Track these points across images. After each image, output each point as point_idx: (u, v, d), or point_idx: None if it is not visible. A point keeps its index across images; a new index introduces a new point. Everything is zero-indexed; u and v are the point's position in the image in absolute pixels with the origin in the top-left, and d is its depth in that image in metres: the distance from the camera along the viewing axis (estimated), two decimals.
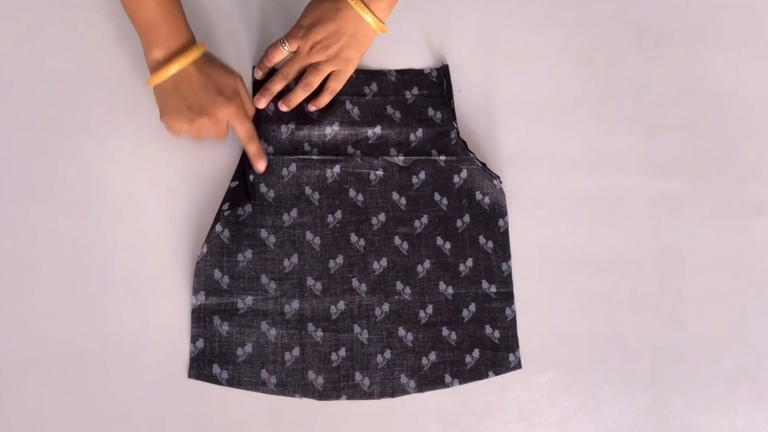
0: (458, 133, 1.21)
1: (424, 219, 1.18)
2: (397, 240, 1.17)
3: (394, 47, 1.25)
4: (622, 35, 1.29)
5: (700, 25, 1.31)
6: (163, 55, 1.08)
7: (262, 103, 1.19)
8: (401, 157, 1.20)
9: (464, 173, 1.20)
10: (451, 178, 1.20)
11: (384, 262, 1.16)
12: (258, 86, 1.21)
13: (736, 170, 1.25)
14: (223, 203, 1.14)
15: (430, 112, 1.23)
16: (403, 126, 1.21)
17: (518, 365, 1.15)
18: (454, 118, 1.22)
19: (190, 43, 1.10)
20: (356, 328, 1.14)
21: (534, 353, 1.16)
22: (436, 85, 1.24)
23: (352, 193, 1.18)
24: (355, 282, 1.15)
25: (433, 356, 1.14)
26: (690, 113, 1.26)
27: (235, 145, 1.17)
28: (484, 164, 1.20)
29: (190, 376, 1.10)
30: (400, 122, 1.22)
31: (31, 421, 1.08)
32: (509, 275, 1.18)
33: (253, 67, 1.22)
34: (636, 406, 1.16)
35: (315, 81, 1.19)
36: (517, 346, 1.16)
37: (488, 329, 1.16)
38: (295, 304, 1.14)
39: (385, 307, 1.15)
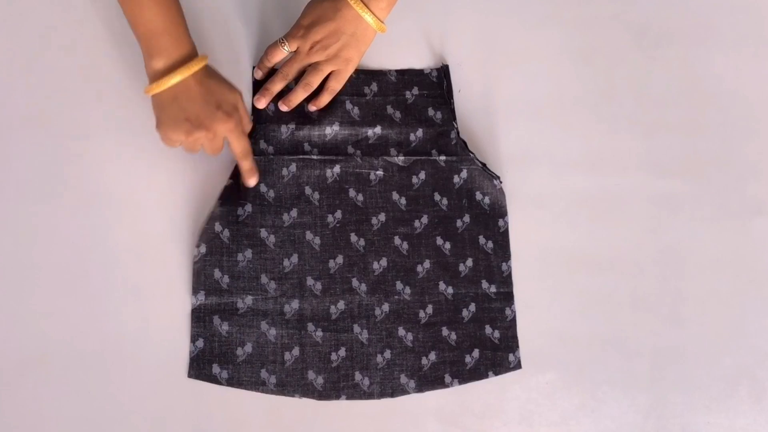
0: (458, 133, 1.21)
1: (424, 219, 1.18)
2: (397, 240, 1.17)
3: (394, 47, 1.25)
4: (622, 35, 1.29)
5: (700, 25, 1.31)
6: (163, 65, 1.07)
7: (262, 103, 1.19)
8: (401, 157, 1.20)
9: (464, 173, 1.20)
10: (451, 178, 1.20)
11: (384, 262, 1.16)
12: (258, 86, 1.21)
13: (736, 170, 1.25)
14: (218, 201, 1.14)
15: (430, 112, 1.23)
16: (403, 126, 1.21)
17: (518, 365, 1.15)
18: (454, 118, 1.22)
19: (191, 55, 1.09)
20: (356, 328, 1.14)
21: (534, 353, 1.16)
22: (436, 85, 1.24)
23: (352, 193, 1.18)
24: (355, 282, 1.15)
25: (432, 356, 1.14)
26: (690, 113, 1.26)
27: None
28: (484, 164, 1.20)
29: (189, 375, 1.10)
30: (400, 122, 1.22)
31: (31, 421, 1.08)
32: (509, 275, 1.18)
33: (253, 67, 1.22)
34: (636, 406, 1.16)
35: (315, 81, 1.19)
36: (517, 347, 1.16)
37: (488, 329, 1.16)
38: (295, 304, 1.14)
39: (385, 307, 1.15)
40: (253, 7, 1.25)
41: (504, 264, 1.18)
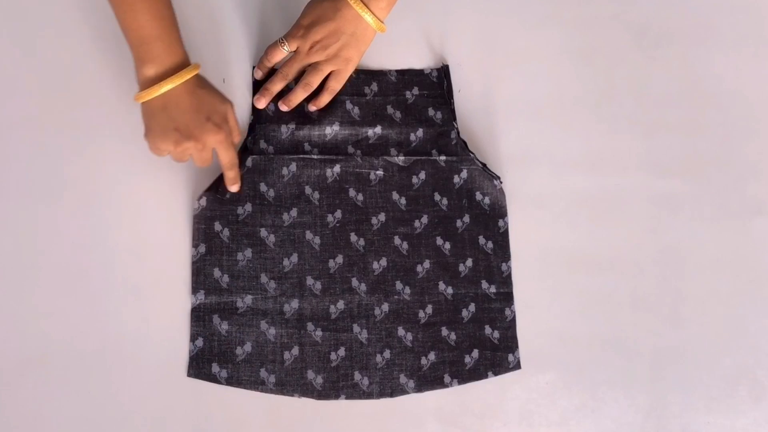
0: (458, 133, 1.21)
1: (424, 219, 1.18)
2: (396, 240, 1.17)
3: (395, 47, 1.25)
4: (622, 35, 1.29)
5: (700, 25, 1.31)
6: (155, 72, 1.06)
7: (262, 103, 1.19)
8: (401, 157, 1.20)
9: (464, 173, 1.20)
10: (451, 179, 1.20)
11: (384, 261, 1.16)
12: (258, 86, 1.21)
13: (736, 170, 1.25)
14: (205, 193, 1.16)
15: (431, 112, 1.23)
16: (403, 126, 1.21)
17: (517, 366, 1.15)
18: (455, 119, 1.22)
19: (183, 63, 1.08)
20: (355, 328, 1.14)
21: (534, 353, 1.16)
22: (436, 85, 1.24)
23: (352, 192, 1.18)
24: (354, 282, 1.15)
25: (432, 356, 1.14)
26: (690, 113, 1.26)
27: None
28: (484, 164, 1.20)
29: (189, 375, 1.10)
30: (400, 122, 1.22)
31: (31, 421, 1.08)
32: (509, 275, 1.18)
33: (253, 67, 1.22)
34: (636, 406, 1.16)
35: (315, 81, 1.19)
36: (517, 347, 1.16)
37: (488, 329, 1.16)
38: (295, 304, 1.14)
39: (385, 306, 1.15)
40: (253, 7, 1.25)
41: (504, 264, 1.18)
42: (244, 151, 1.18)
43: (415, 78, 1.24)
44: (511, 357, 1.15)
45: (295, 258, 1.15)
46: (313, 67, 1.19)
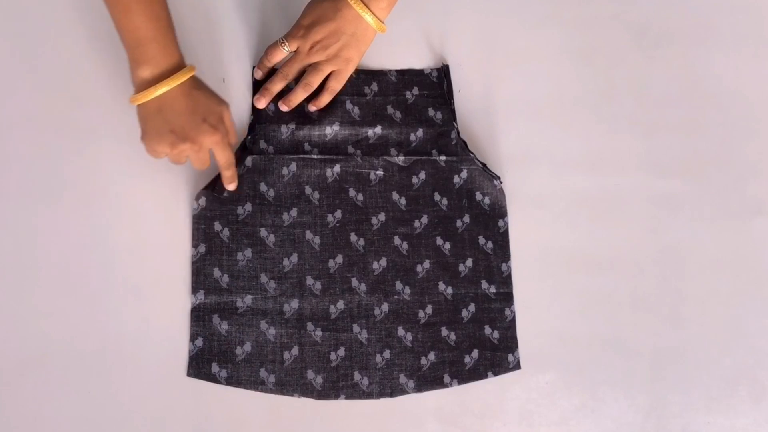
0: (458, 133, 1.21)
1: (424, 219, 1.18)
2: (396, 240, 1.17)
3: (395, 47, 1.25)
4: (622, 35, 1.29)
5: (700, 25, 1.31)
6: (150, 74, 1.06)
7: (262, 103, 1.19)
8: (401, 157, 1.20)
9: (464, 173, 1.20)
10: (451, 179, 1.20)
11: (384, 261, 1.16)
12: (258, 86, 1.21)
13: (736, 170, 1.25)
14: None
15: (431, 112, 1.23)
16: (403, 126, 1.21)
17: (517, 366, 1.15)
18: (455, 119, 1.22)
19: (179, 65, 1.08)
20: (355, 328, 1.14)
21: (534, 353, 1.16)
22: (436, 85, 1.24)
23: (352, 192, 1.18)
24: (354, 282, 1.15)
25: (432, 356, 1.14)
26: (690, 113, 1.26)
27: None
28: (484, 164, 1.20)
29: (189, 374, 1.11)
30: (400, 122, 1.22)
31: (31, 421, 1.08)
32: (509, 276, 1.18)
33: (253, 67, 1.22)
34: (636, 406, 1.16)
35: (315, 81, 1.19)
36: (516, 347, 1.16)
37: (487, 330, 1.16)
38: (295, 304, 1.14)
39: (385, 306, 1.15)
40: (253, 7, 1.25)
41: (504, 264, 1.18)
42: (243, 151, 1.18)
43: (415, 78, 1.24)
44: (510, 357, 1.15)
45: (295, 258, 1.15)
46: (313, 67, 1.19)
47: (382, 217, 1.18)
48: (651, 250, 1.21)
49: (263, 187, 1.17)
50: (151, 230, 1.15)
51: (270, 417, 1.11)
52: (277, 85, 1.20)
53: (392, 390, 1.13)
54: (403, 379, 1.13)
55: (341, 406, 1.12)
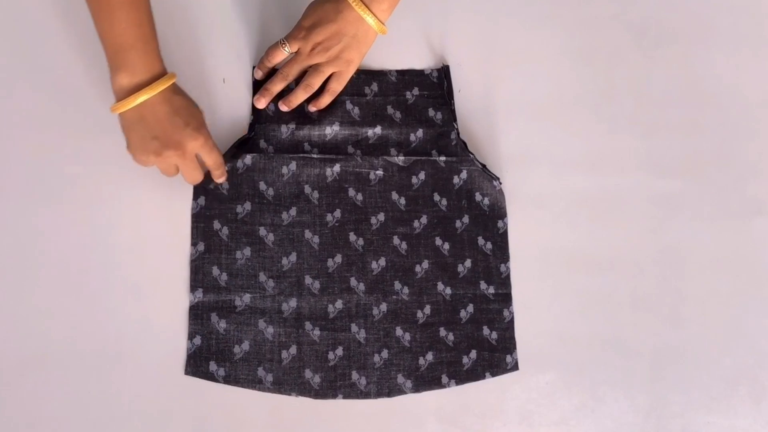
0: (458, 134, 1.21)
1: (424, 219, 1.18)
2: (396, 240, 1.17)
3: (395, 48, 1.25)
4: (622, 35, 1.29)
5: (700, 25, 1.30)
6: (128, 81, 1.05)
7: (262, 103, 1.19)
8: (401, 157, 1.20)
9: (464, 174, 1.20)
10: (450, 179, 1.20)
11: (382, 261, 1.16)
12: (258, 86, 1.21)
13: (736, 170, 1.24)
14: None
15: (431, 112, 1.23)
16: (403, 126, 1.21)
17: (515, 367, 1.15)
18: (455, 119, 1.22)
19: (160, 73, 1.07)
20: (354, 328, 1.14)
21: (534, 353, 1.16)
22: (436, 85, 1.24)
23: (351, 192, 1.18)
24: (353, 281, 1.15)
25: (430, 356, 1.14)
26: (690, 113, 1.26)
27: (235, 138, 1.19)
28: (484, 165, 1.20)
29: (186, 372, 1.11)
30: (400, 122, 1.22)
31: (31, 421, 1.08)
32: (508, 277, 1.18)
33: (253, 67, 1.22)
34: (636, 406, 1.15)
35: (316, 82, 1.19)
36: (515, 348, 1.15)
37: (486, 330, 1.16)
38: (293, 303, 1.14)
39: (383, 306, 1.15)
40: (253, 7, 1.25)
41: (503, 265, 1.18)
42: (240, 146, 1.18)
43: (416, 78, 1.24)
44: (509, 358, 1.15)
45: (293, 257, 1.15)
46: (314, 68, 1.19)
47: (381, 217, 1.18)
48: (651, 250, 1.21)
49: (263, 186, 1.17)
50: (151, 229, 1.15)
51: (269, 416, 1.11)
52: (277, 86, 1.20)
53: (390, 390, 1.13)
54: (400, 379, 1.13)
55: (342, 406, 1.12)
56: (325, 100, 1.21)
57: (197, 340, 1.11)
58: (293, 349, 1.12)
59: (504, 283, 1.17)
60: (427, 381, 1.13)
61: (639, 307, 1.18)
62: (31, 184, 1.15)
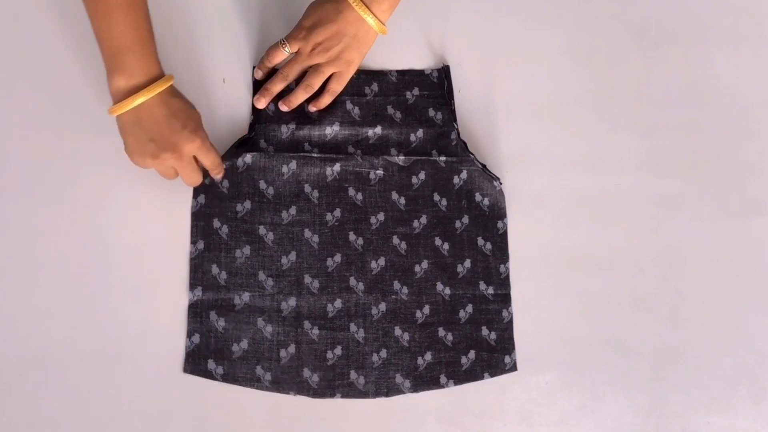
0: (458, 134, 1.21)
1: (423, 219, 1.18)
2: (395, 240, 1.17)
3: (395, 48, 1.25)
4: (622, 35, 1.29)
5: (700, 25, 1.30)
6: (125, 84, 1.05)
7: (262, 103, 1.19)
8: (401, 157, 1.20)
9: (464, 174, 1.20)
10: (450, 179, 1.20)
11: (382, 261, 1.16)
12: (258, 86, 1.21)
13: (736, 170, 1.24)
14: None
15: (431, 112, 1.23)
16: (403, 126, 1.22)
17: (514, 367, 1.15)
18: (455, 119, 1.22)
19: (157, 75, 1.07)
20: (352, 327, 1.14)
21: (534, 353, 1.16)
22: (436, 85, 1.24)
23: (351, 191, 1.18)
24: (352, 281, 1.15)
25: (428, 356, 1.14)
26: (690, 113, 1.26)
27: (235, 138, 1.19)
28: (484, 165, 1.20)
29: (185, 371, 1.11)
30: (400, 122, 1.22)
31: (31, 421, 1.09)
32: (507, 277, 1.18)
33: (254, 67, 1.22)
34: (636, 406, 1.15)
35: (316, 83, 1.19)
36: (513, 349, 1.15)
37: (485, 331, 1.16)
38: (292, 302, 1.14)
39: (382, 306, 1.15)
40: (253, 7, 1.25)
41: (502, 266, 1.18)
42: (240, 146, 1.18)
43: (416, 78, 1.24)
44: (507, 359, 1.15)
45: (293, 256, 1.15)
46: (314, 68, 1.20)
47: (381, 216, 1.18)
48: (651, 250, 1.20)
49: (263, 184, 1.17)
50: (151, 227, 1.15)
51: (268, 415, 1.11)
52: (277, 86, 1.20)
53: (388, 390, 1.12)
54: (399, 378, 1.13)
55: (341, 405, 1.12)
56: (326, 101, 1.21)
57: (196, 338, 1.11)
58: (292, 348, 1.12)
59: (503, 283, 1.17)
60: (425, 381, 1.13)
61: (639, 307, 1.18)
62: (31, 184, 1.15)
